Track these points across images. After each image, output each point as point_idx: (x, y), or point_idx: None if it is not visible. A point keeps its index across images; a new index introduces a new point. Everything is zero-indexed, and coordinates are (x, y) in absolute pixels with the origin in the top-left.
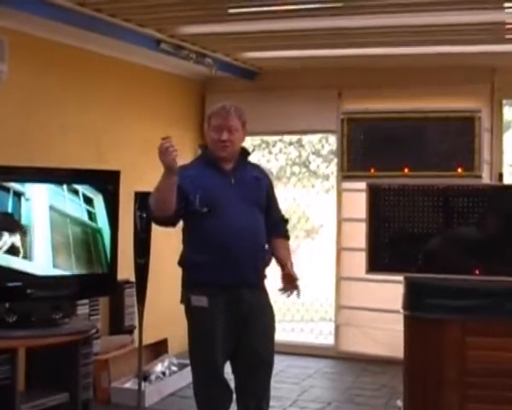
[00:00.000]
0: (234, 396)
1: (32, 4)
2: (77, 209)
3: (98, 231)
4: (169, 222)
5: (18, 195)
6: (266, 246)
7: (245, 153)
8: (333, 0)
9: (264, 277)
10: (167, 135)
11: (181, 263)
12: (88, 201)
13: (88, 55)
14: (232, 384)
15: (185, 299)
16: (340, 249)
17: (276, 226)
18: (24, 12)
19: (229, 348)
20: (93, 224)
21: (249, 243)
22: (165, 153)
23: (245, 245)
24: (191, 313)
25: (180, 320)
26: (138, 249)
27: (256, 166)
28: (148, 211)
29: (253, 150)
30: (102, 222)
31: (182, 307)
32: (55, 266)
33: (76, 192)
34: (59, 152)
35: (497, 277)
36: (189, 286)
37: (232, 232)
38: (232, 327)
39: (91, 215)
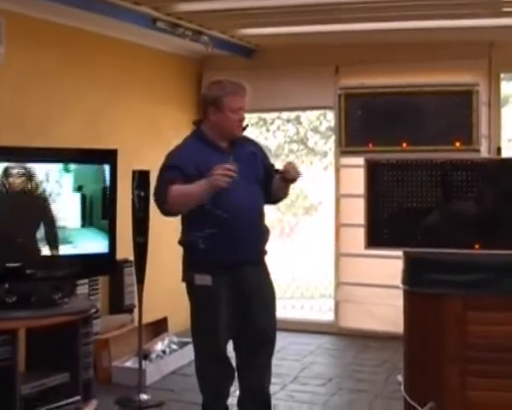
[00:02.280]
0: (235, 374)
1: None
2: (75, 189)
3: (97, 211)
4: (177, 215)
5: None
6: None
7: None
8: None
9: (264, 252)
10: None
11: (183, 242)
12: (86, 180)
13: (84, 34)
14: (233, 362)
15: (188, 278)
16: (338, 226)
17: None
18: None
19: (232, 326)
20: (91, 203)
21: (251, 221)
22: (223, 179)
23: (247, 223)
24: (194, 291)
25: (180, 299)
26: (137, 228)
27: (249, 140)
28: (160, 204)
29: (247, 125)
30: (100, 201)
31: (182, 286)
32: (54, 246)
33: (73, 171)
34: (57, 132)
35: (497, 250)
36: (192, 265)
37: (232, 211)
38: (235, 305)
39: (89, 194)
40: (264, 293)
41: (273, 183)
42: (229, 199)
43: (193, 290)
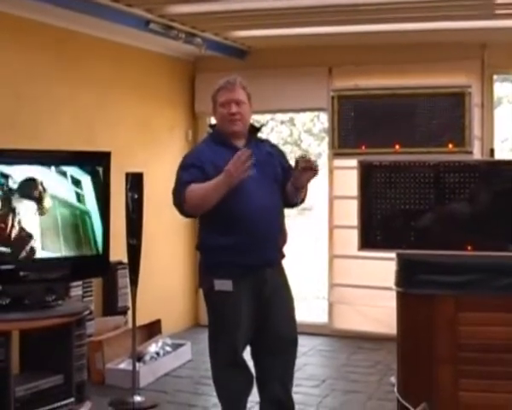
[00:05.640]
0: (254, 382)
1: None
2: (68, 191)
3: (90, 213)
4: (197, 216)
5: (6, 177)
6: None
7: (254, 129)
8: None
9: (283, 255)
10: (248, 152)
11: (201, 246)
12: (79, 183)
13: (77, 36)
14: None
15: (206, 283)
16: (332, 227)
17: None
18: None
19: (250, 331)
20: (84, 205)
21: (271, 222)
22: (243, 167)
23: (267, 224)
24: (214, 297)
25: (174, 301)
26: (130, 230)
27: (265, 141)
28: (179, 205)
29: (263, 125)
30: (94, 204)
31: (176, 288)
32: (47, 248)
33: (66, 174)
34: (49, 134)
35: (489, 252)
36: (212, 270)
37: (254, 212)
38: (255, 309)
39: (82, 197)
40: (283, 296)
41: (288, 184)
42: (247, 199)
43: (212, 297)
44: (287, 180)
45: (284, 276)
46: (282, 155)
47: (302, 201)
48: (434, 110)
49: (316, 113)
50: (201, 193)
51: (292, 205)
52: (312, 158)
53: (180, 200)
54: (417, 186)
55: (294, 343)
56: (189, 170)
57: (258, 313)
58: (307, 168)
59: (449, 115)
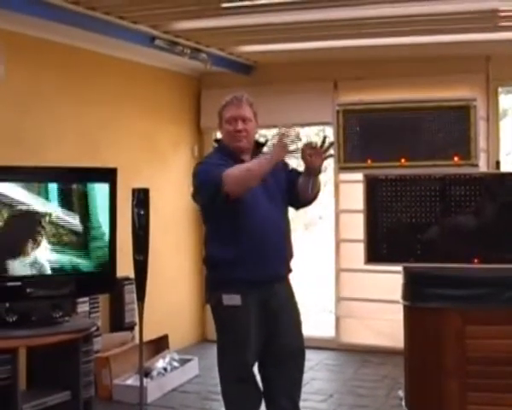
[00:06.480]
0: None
1: (27, 5)
2: (75, 207)
3: (97, 229)
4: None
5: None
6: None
7: (259, 145)
8: None
9: (290, 269)
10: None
11: (208, 261)
12: (85, 199)
13: (83, 53)
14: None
15: (214, 298)
16: (338, 241)
17: None
18: (19, 13)
19: (259, 345)
20: (91, 222)
21: (278, 236)
22: (285, 149)
23: (275, 239)
24: (222, 312)
25: (181, 316)
26: (137, 246)
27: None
28: (214, 188)
29: (267, 141)
30: (101, 220)
31: (182, 303)
32: (53, 264)
33: (73, 190)
34: (55, 151)
35: (496, 265)
36: (219, 284)
37: (260, 226)
38: (263, 324)
39: (89, 213)
40: (290, 310)
41: (298, 182)
42: (253, 213)
43: (220, 311)
44: (291, 183)
45: (291, 290)
46: (284, 163)
47: (316, 195)
48: (440, 124)
49: (321, 127)
50: (244, 169)
51: (306, 202)
52: (319, 142)
53: (215, 183)
54: (423, 199)
55: (302, 355)
56: (213, 166)
57: (267, 328)
58: (316, 154)
59: (454, 128)
